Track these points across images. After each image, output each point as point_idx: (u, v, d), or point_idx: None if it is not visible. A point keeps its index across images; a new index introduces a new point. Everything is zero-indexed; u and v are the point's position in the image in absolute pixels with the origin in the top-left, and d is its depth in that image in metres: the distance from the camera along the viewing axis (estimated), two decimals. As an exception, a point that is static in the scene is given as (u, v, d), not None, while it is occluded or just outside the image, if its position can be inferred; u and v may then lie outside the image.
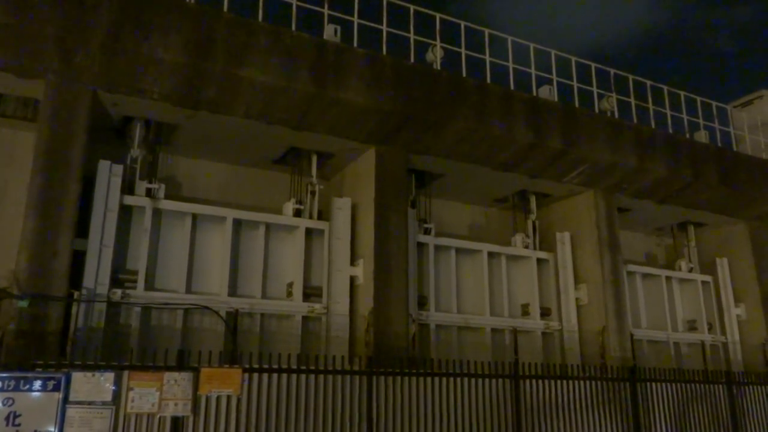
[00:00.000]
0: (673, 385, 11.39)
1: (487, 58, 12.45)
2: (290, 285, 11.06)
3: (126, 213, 10.01)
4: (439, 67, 11.83)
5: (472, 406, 9.23)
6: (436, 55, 11.95)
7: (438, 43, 12.00)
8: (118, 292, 9.37)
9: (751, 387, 12.42)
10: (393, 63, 11.08)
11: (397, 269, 11.09)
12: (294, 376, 8.18)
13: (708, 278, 16.17)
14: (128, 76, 9.31)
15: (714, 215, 15.86)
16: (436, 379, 9.12)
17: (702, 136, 15.37)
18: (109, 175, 9.66)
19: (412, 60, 11.56)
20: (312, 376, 8.29)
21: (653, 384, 11.15)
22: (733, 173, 15.03)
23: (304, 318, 10.92)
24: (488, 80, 12.24)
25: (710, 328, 15.73)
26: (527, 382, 9.77)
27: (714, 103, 16.00)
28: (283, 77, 9.85)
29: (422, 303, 12.02)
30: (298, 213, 11.53)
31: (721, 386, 11.98)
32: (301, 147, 11.73)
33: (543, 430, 9.67)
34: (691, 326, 15.60)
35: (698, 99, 15.65)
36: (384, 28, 11.39)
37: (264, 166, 12.49)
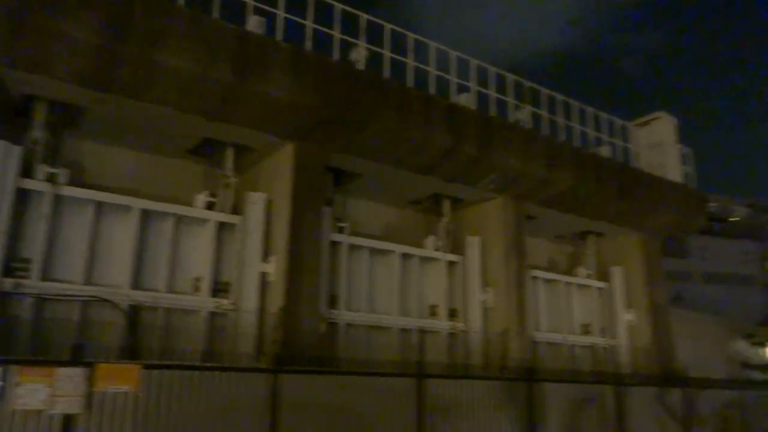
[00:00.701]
0: (567, 385, 12.02)
1: (410, 62, 12.63)
2: (198, 279, 10.78)
3: (23, 198, 9.39)
4: (362, 67, 11.88)
5: (378, 405, 9.35)
6: (360, 54, 11.99)
7: (362, 43, 12.05)
8: (9, 281, 8.79)
9: (636, 387, 13.30)
10: (316, 59, 11.02)
11: (309, 267, 11.06)
12: (196, 374, 7.96)
13: (604, 285, 17.20)
14: (34, 53, 8.73)
15: (612, 226, 16.86)
16: (343, 377, 9.17)
17: (605, 151, 16.30)
18: (4, 156, 9.04)
19: (336, 58, 11.55)
20: (216, 374, 8.10)
21: (549, 384, 11.72)
22: (631, 188, 16.03)
23: (212, 314, 10.69)
24: (410, 84, 12.43)
25: (603, 331, 16.74)
26: (431, 381, 10.01)
27: (617, 121, 17.02)
28: (201, 65, 9.56)
29: (333, 302, 12.05)
30: (210, 206, 11.25)
31: (609, 386, 12.75)
32: (217, 138, 11.44)
33: (445, 429, 9.94)
34: (586, 330, 16.53)
35: (603, 116, 16.59)
36: (309, 23, 11.30)
37: (177, 155, 12.08)
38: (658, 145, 17.95)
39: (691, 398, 13.82)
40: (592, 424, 12.10)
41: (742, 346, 23.03)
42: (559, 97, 15.36)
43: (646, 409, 12.98)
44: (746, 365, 21.98)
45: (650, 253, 17.47)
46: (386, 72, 12.19)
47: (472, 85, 13.65)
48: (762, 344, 22.96)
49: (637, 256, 17.31)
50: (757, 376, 21.18)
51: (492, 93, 13.98)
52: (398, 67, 12.49)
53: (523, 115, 14.49)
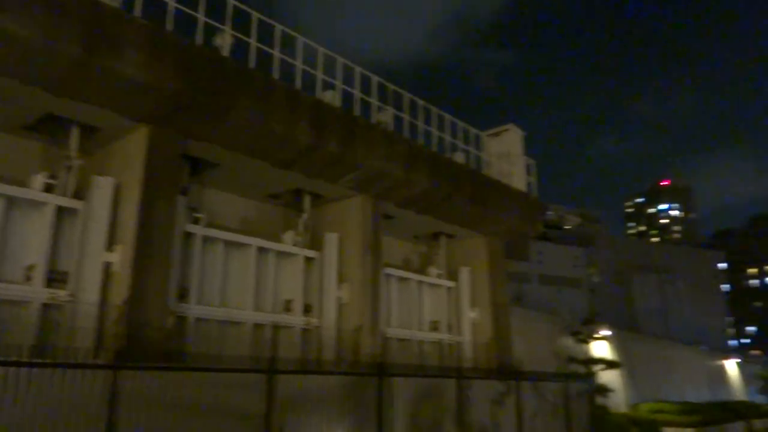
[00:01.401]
0: (415, 379, 12.53)
1: (276, 54, 12.46)
2: (31, 268, 9.84)
3: None
4: (227, 54, 11.52)
5: (228, 401, 9.12)
6: (225, 41, 11.62)
7: (228, 29, 11.69)
8: None
9: (477, 380, 14.20)
10: (177, 41, 10.51)
11: (158, 258, 10.53)
12: (24, 370, 7.24)
13: (452, 284, 18.14)
14: None
15: (462, 229, 17.84)
16: (191, 374, 8.84)
17: (459, 157, 17.22)
18: None
19: (199, 42, 11.10)
20: (48, 371, 7.43)
21: (398, 378, 12.15)
22: (481, 193, 17.07)
23: (45, 306, 9.80)
24: (276, 76, 12.26)
25: (450, 328, 17.67)
26: (283, 377, 9.95)
27: (472, 130, 18.05)
28: (46, 34, 8.74)
29: (184, 295, 11.58)
30: (49, 188, 10.31)
31: (453, 380, 13.48)
32: (61, 115, 10.50)
33: (296, 424, 9.93)
34: (435, 326, 17.35)
35: (460, 123, 17.51)
36: (171, 2, 10.75)
37: (12, 131, 10.95)
38: (507, 155, 19.29)
39: (525, 389, 14.99)
40: (437, 415, 12.72)
41: (569, 343, 25.37)
42: (420, 102, 15.98)
43: (485, 400, 13.88)
44: (572, 360, 24.21)
45: (495, 256, 18.72)
46: (252, 62, 11.93)
47: (338, 83, 13.78)
48: (585, 341, 25.45)
49: (483, 257, 18.47)
50: (581, 369, 23.44)
51: (357, 92, 14.21)
52: (264, 59, 12.29)
53: (385, 116, 14.88)
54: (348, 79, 14.08)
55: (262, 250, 13.45)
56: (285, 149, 12.42)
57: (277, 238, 14.08)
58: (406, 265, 18.14)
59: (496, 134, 19.60)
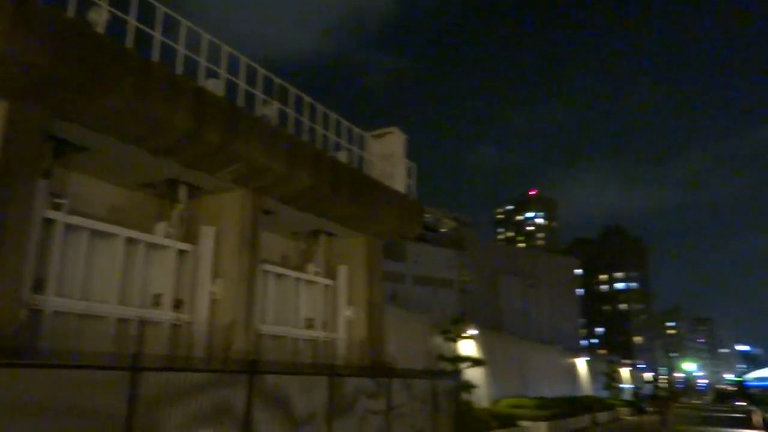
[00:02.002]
0: (288, 377, 12.43)
1: (158, 36, 11.86)
2: None
3: None
4: (102, 31, 10.79)
5: (86, 400, 8.53)
6: (100, 16, 10.87)
7: (105, 4, 10.95)
8: None
9: (350, 378, 14.35)
10: (47, 10, 9.68)
11: (12, 245, 9.64)
12: None
13: (330, 282, 18.22)
14: None
15: (342, 227, 17.98)
16: (45, 371, 8.18)
17: (343, 156, 17.33)
18: None
19: (72, 15, 10.30)
20: None
21: (270, 376, 11.99)
22: (363, 193, 17.29)
23: None
24: (156, 59, 11.67)
25: (325, 326, 17.73)
26: (147, 374, 9.48)
27: (356, 129, 18.24)
28: None
29: (40, 286, 10.69)
30: None
31: (325, 377, 13.52)
32: None
33: (163, 425, 9.50)
34: (310, 324, 17.34)
35: (345, 123, 17.62)
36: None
37: None
38: (389, 157, 19.69)
39: (395, 386, 15.37)
40: (312, 411, 12.70)
41: (439, 341, 26.38)
42: (307, 98, 15.89)
43: (357, 397, 14.07)
44: (441, 358, 25.18)
45: (373, 255, 19.05)
46: (129, 41, 11.26)
47: (222, 72, 13.38)
48: (454, 339, 26.59)
49: (362, 256, 18.73)
50: (449, 366, 24.44)
51: (242, 84, 13.87)
52: (144, 40, 11.65)
53: (270, 110, 14.64)
54: (233, 69, 13.72)
55: (131, 241, 12.74)
56: (162, 136, 11.85)
57: (148, 229, 13.40)
58: (284, 262, 17.97)
59: (380, 136, 19.94)
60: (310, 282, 17.64)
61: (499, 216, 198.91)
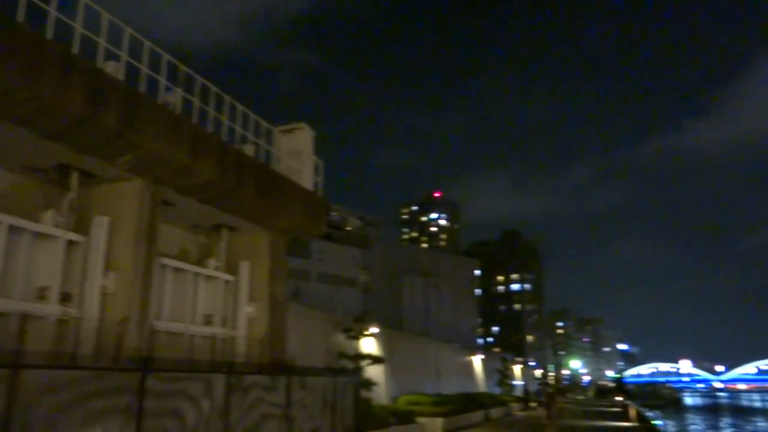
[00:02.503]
0: (184, 374, 12.01)
1: (52, 11, 11.10)
2: None
3: None
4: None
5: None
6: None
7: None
8: None
9: (248, 376, 14.09)
10: None
11: None
12: None
13: (231, 278, 17.79)
14: None
15: (246, 222, 17.60)
16: None
17: (249, 150, 16.98)
18: None
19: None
20: None
21: (164, 373, 11.54)
22: (268, 188, 17.01)
23: None
24: (49, 36, 10.91)
25: (224, 322, 17.29)
26: (29, 372, 8.87)
27: (264, 123, 17.92)
28: None
29: None
30: None
31: (223, 375, 13.19)
32: None
33: (45, 426, 8.89)
34: (209, 320, 16.84)
35: (252, 116, 17.27)
36: None
37: None
38: (297, 153, 19.51)
39: (295, 384, 15.27)
40: (202, 411, 12.34)
41: (341, 339, 26.47)
42: (213, 88, 15.43)
43: (255, 395, 13.85)
44: (342, 355, 25.30)
45: (277, 252, 18.78)
46: (20, 16, 10.46)
47: (123, 55, 12.73)
48: (356, 337, 26.79)
49: (265, 252, 18.41)
50: (350, 364, 24.60)
51: (144, 69, 13.26)
52: (37, 16, 10.86)
53: (174, 98, 14.09)
54: (136, 54, 13.08)
55: (13, 229, 11.84)
56: (53, 118, 11.10)
57: (35, 218, 12.51)
58: (183, 256, 17.35)
59: (288, 131, 19.72)
60: (210, 277, 17.13)
61: (404, 216, 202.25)
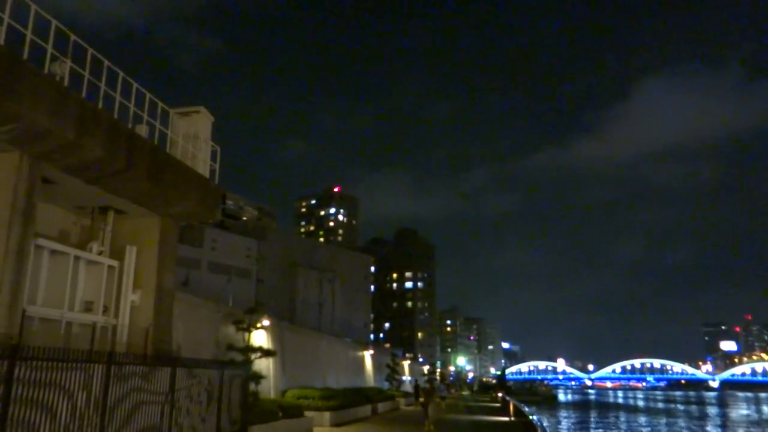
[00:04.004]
0: (59, 363, 11.28)
1: None
2: None
3: None
4: None
5: None
6: None
7: None
8: None
9: (129, 366, 13.46)
10: None
11: None
12: None
13: (115, 263, 16.86)
14: None
15: (135, 206, 16.75)
16: None
17: (143, 130, 16.16)
18: None
19: None
20: None
21: (36, 362, 10.79)
22: (161, 171, 16.27)
23: None
24: None
25: (105, 310, 16.37)
26: None
27: (159, 104, 17.13)
28: None
29: None
30: None
31: (101, 365, 12.53)
32: None
33: None
34: (88, 307, 15.89)
35: (148, 95, 16.45)
36: None
37: None
38: (194, 138, 18.83)
39: (179, 375, 14.79)
40: (79, 401, 11.68)
41: (230, 331, 25.89)
42: (106, 62, 14.56)
43: (136, 386, 13.27)
44: (231, 347, 24.77)
45: (167, 238, 18.03)
46: None
47: (5, 17, 11.72)
48: (247, 329, 26.30)
49: (155, 238, 17.62)
50: (239, 357, 24.13)
51: (29, 34, 12.29)
52: None
53: (61, 69, 13.15)
54: (20, 17, 12.09)
55: None
56: None
57: None
58: (63, 238, 16.27)
59: (186, 114, 18.96)
60: (92, 262, 16.15)
61: (303, 209, 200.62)
